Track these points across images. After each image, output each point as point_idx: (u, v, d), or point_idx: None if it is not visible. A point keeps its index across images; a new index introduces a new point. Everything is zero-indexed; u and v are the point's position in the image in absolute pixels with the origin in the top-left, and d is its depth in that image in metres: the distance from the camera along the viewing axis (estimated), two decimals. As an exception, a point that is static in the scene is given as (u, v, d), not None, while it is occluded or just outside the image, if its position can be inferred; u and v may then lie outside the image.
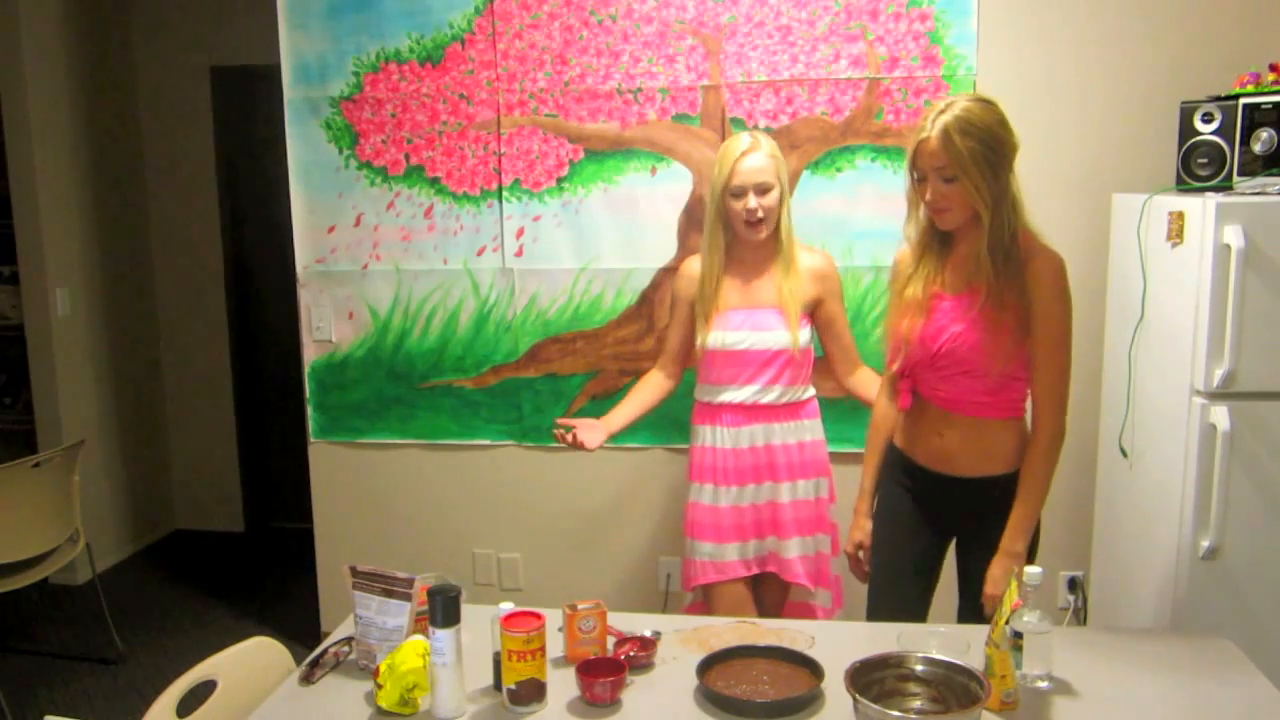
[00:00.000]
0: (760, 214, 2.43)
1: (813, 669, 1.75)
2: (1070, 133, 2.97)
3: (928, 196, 2.01)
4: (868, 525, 2.34)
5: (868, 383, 2.59)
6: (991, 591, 2.05)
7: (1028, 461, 2.07)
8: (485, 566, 3.45)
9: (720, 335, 2.51)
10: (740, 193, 2.43)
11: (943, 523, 2.22)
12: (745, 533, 2.59)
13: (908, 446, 2.24)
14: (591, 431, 2.57)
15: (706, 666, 1.77)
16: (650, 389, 2.71)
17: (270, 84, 3.46)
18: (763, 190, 2.43)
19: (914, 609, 2.24)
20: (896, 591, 2.26)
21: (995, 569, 2.06)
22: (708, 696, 1.71)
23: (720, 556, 2.57)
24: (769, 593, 2.65)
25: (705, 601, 2.62)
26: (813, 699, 1.68)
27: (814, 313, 2.57)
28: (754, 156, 2.43)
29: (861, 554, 2.36)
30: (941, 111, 1.97)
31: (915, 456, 2.21)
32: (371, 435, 3.43)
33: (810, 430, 2.59)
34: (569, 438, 2.53)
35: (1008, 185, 1.99)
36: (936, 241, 2.12)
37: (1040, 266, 2.01)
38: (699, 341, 2.55)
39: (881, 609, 2.26)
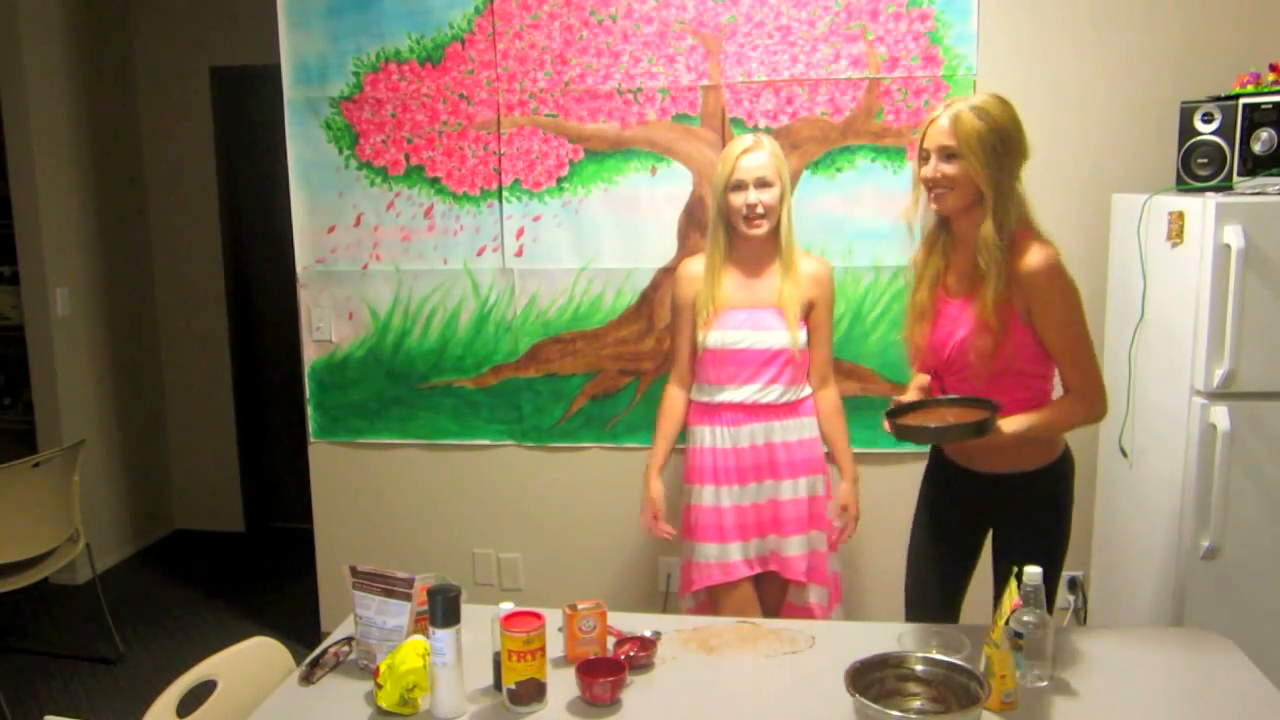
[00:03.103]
0: (760, 209, 2.44)
1: (989, 406, 1.96)
2: (1070, 133, 2.97)
3: (927, 173, 2.04)
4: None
5: (826, 406, 2.62)
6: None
7: (1063, 398, 2.06)
8: (485, 566, 3.45)
9: (720, 335, 2.51)
10: (740, 187, 2.45)
11: (977, 519, 2.22)
12: (748, 532, 2.59)
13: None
14: (657, 497, 2.67)
15: (895, 415, 2.02)
16: (676, 417, 2.69)
17: (270, 84, 3.46)
18: (762, 185, 2.44)
19: (950, 600, 2.26)
20: (932, 582, 2.28)
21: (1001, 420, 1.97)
22: (900, 431, 1.98)
23: (725, 557, 2.57)
24: (766, 592, 2.65)
25: (710, 604, 2.61)
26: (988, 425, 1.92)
27: (806, 316, 2.57)
28: (755, 154, 2.46)
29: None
30: (959, 100, 2.03)
31: (952, 455, 2.23)
32: (371, 435, 3.43)
33: (808, 428, 2.59)
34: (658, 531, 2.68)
35: (1010, 180, 2.01)
36: (943, 242, 2.14)
37: (1029, 262, 1.99)
38: (699, 339, 2.55)
39: (914, 600, 2.30)
